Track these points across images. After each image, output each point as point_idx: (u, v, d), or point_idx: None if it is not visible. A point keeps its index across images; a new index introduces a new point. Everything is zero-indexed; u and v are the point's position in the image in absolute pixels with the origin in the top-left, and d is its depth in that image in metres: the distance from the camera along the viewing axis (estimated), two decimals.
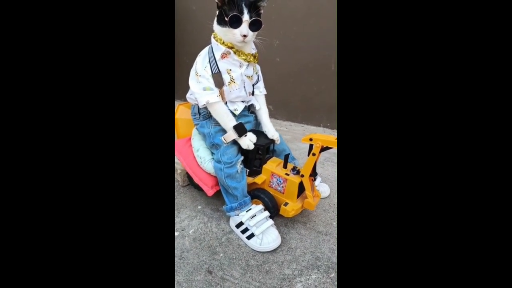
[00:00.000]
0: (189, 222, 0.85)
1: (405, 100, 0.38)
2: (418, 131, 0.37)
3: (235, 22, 0.71)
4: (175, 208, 0.91)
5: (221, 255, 0.74)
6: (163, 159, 0.42)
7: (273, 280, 0.68)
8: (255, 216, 0.78)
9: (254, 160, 0.85)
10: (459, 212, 0.36)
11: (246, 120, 0.88)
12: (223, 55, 0.78)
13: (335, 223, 0.87)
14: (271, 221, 0.79)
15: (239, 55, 0.78)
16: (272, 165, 0.84)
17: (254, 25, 0.73)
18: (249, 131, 0.85)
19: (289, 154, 0.87)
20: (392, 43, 0.38)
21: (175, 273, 0.69)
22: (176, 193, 0.99)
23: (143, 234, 0.39)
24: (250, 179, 0.85)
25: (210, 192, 0.85)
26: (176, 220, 0.86)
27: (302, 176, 0.78)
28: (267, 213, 0.80)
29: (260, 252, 0.75)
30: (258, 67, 0.88)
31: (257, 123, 0.92)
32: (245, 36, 0.72)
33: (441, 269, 0.35)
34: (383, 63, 0.38)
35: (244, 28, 0.72)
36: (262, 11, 0.77)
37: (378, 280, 0.37)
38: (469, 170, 0.36)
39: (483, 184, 0.35)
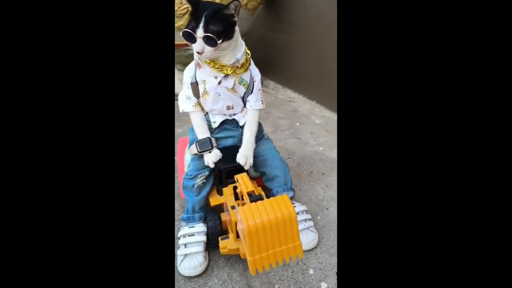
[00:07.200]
0: None
1: (405, 103, 0.38)
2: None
3: (190, 39, 0.67)
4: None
5: None
6: (163, 157, 0.41)
7: None
8: (193, 236, 0.75)
9: (218, 180, 0.79)
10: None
11: (228, 135, 0.82)
12: (198, 65, 0.75)
13: None
14: (201, 248, 0.73)
15: (213, 66, 0.72)
16: (229, 192, 0.75)
17: (209, 41, 0.65)
18: (231, 147, 0.79)
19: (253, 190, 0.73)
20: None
21: None
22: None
23: (142, 229, 0.39)
24: (218, 198, 0.81)
25: (182, 195, 0.88)
26: None
27: None
28: (203, 239, 0.75)
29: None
30: (249, 78, 0.77)
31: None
32: (199, 53, 0.66)
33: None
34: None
35: (199, 45, 0.65)
36: (235, 19, 0.67)
37: None
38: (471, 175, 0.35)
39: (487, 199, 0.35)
